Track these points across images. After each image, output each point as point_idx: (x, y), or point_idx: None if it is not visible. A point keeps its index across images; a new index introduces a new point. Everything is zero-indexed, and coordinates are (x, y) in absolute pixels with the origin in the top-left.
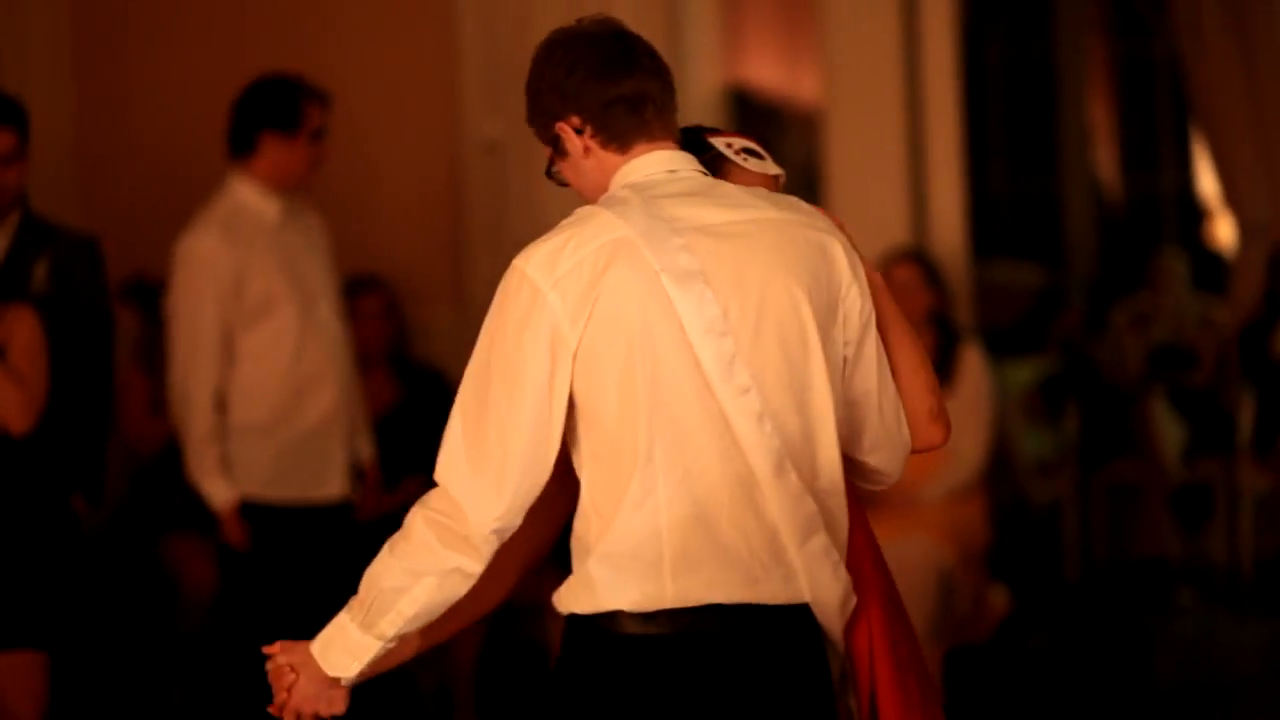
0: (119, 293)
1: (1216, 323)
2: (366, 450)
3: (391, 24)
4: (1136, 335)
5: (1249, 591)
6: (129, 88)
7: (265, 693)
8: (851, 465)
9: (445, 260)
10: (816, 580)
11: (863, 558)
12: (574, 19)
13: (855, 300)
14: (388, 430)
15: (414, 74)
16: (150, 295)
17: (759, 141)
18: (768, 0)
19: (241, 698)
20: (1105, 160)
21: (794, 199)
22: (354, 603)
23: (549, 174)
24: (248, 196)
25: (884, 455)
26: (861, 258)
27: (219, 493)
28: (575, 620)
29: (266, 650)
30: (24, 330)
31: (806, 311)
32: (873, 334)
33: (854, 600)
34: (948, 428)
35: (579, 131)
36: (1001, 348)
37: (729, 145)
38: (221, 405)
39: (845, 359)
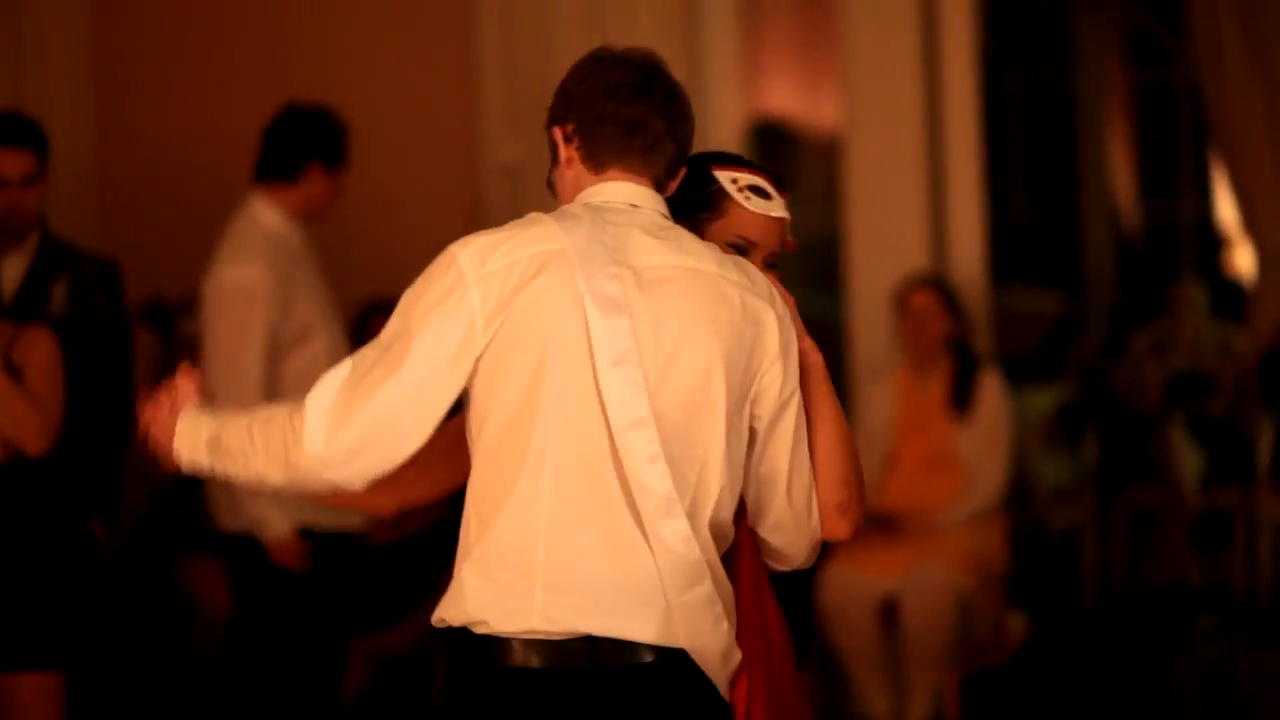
0: (138, 315)
1: (1235, 350)
2: None
3: (411, 48)
4: (1155, 362)
5: (1268, 619)
6: (149, 111)
7: (279, 713)
8: (755, 538)
9: None
10: (695, 629)
11: (750, 618)
12: (594, 44)
13: (775, 377)
14: None
15: (434, 98)
16: (168, 317)
17: (774, 178)
18: (788, 27)
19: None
20: (1124, 188)
21: (744, 263)
22: (219, 424)
23: (548, 183)
24: (274, 222)
25: (787, 538)
26: (802, 335)
27: (276, 523)
28: (450, 636)
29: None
30: (41, 352)
31: (719, 372)
32: (791, 416)
33: (738, 655)
34: (854, 525)
35: (567, 140)
36: (1021, 374)
37: (734, 181)
38: None
39: (755, 432)
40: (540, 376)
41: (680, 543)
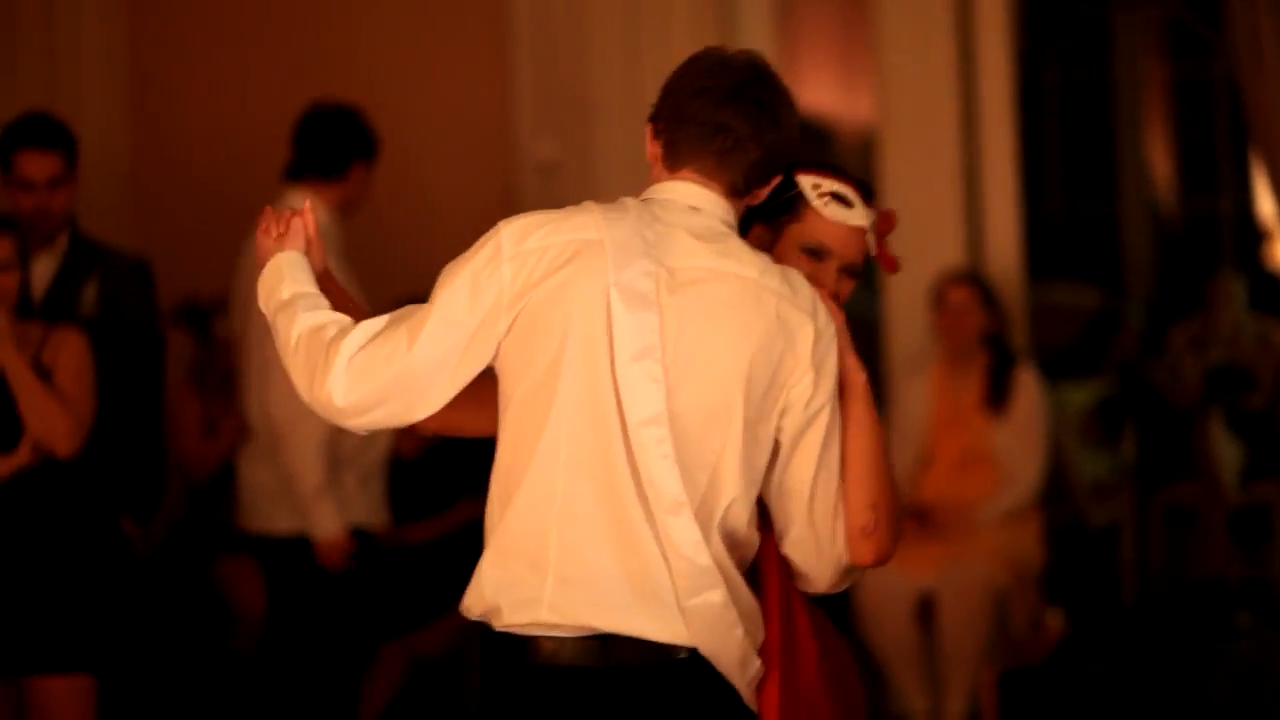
0: (172, 315)
1: (1275, 344)
2: None
3: (445, 46)
4: (1194, 356)
5: None
6: (184, 112)
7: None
8: (781, 554)
9: None
10: (708, 634)
11: (777, 632)
12: (628, 42)
13: (805, 389)
14: (439, 451)
15: (468, 95)
16: (203, 318)
17: (863, 189)
18: (823, 24)
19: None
20: (1163, 182)
21: (792, 274)
22: (300, 293)
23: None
24: (323, 219)
25: (807, 556)
26: (846, 353)
27: (330, 521)
28: (482, 633)
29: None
30: (72, 352)
31: (740, 378)
32: (819, 431)
33: (757, 664)
34: (879, 551)
35: (655, 137)
36: (1060, 370)
37: (816, 186)
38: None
39: (779, 444)
40: (559, 364)
41: (689, 546)
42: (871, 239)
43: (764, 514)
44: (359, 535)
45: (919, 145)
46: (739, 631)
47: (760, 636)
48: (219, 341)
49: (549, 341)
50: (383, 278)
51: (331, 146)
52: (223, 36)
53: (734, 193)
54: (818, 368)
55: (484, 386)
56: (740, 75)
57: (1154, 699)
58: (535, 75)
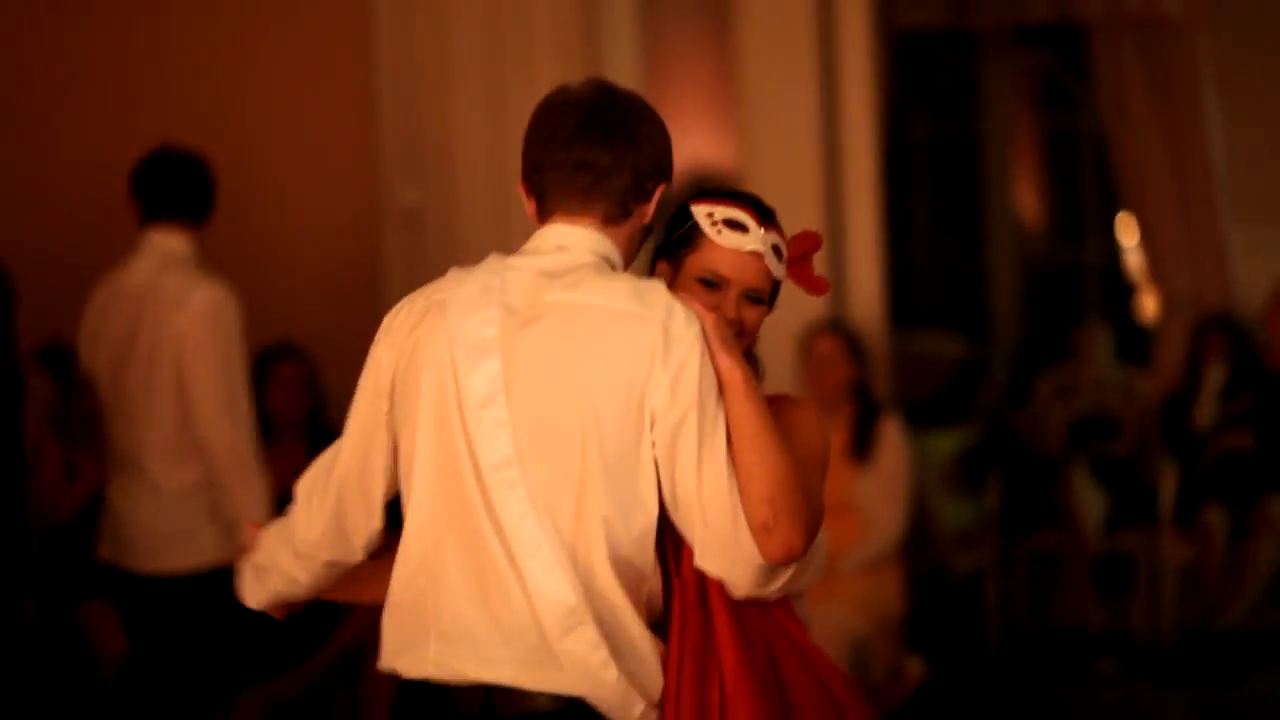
0: (32, 357)
1: (1140, 393)
2: None
3: (310, 91)
4: (1060, 405)
5: (1170, 662)
6: (42, 150)
7: None
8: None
9: (364, 327)
10: (579, 676)
11: (693, 666)
12: (492, 89)
13: (663, 399)
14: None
15: (332, 141)
16: (64, 359)
17: (759, 211)
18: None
19: None
20: (1031, 232)
21: (648, 290)
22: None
23: None
24: (183, 249)
25: (719, 564)
26: (720, 354)
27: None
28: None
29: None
30: None
31: (593, 404)
32: (689, 437)
33: (639, 706)
34: (785, 545)
35: (528, 195)
36: (925, 418)
37: (710, 215)
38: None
39: (658, 459)
40: (417, 424)
41: (552, 586)
42: (773, 262)
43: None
44: (224, 574)
45: (782, 193)
46: (612, 672)
47: (650, 677)
48: (83, 384)
49: (412, 404)
50: (248, 322)
51: (171, 189)
52: (82, 77)
53: (611, 220)
54: (674, 375)
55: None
56: (586, 107)
57: None
58: (399, 121)
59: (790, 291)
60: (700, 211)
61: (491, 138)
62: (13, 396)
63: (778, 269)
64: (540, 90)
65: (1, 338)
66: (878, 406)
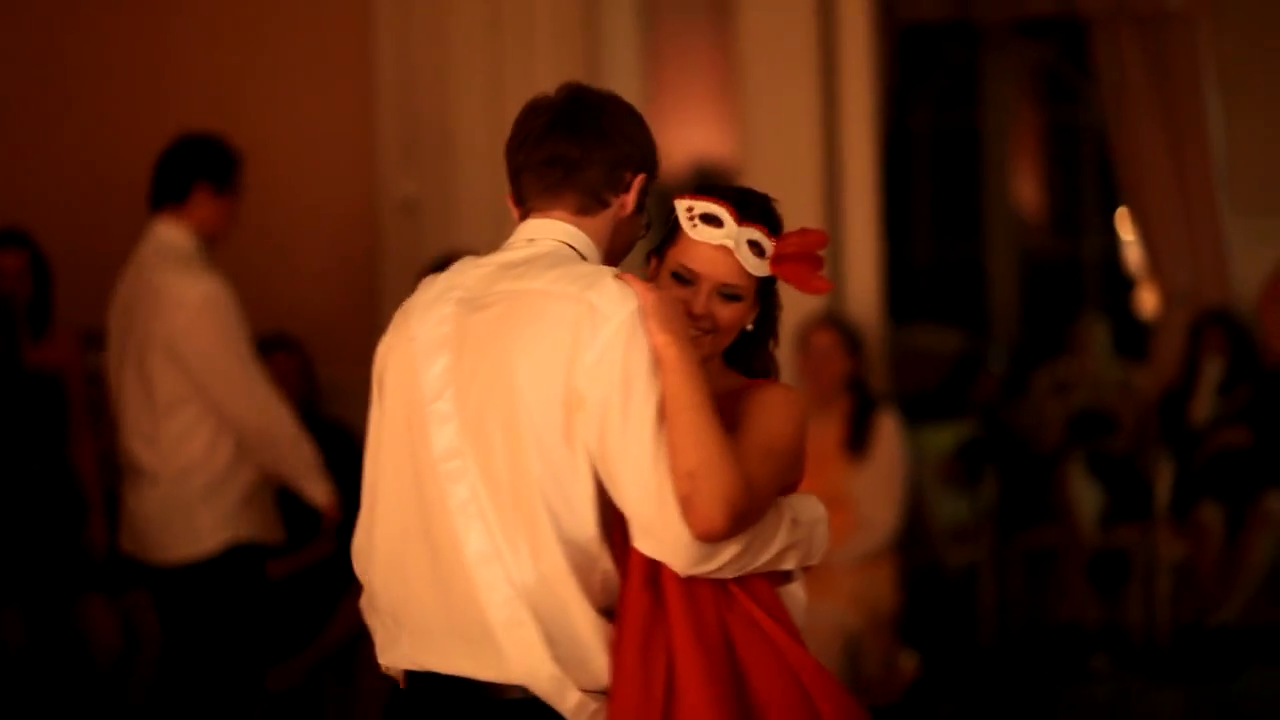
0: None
1: (1137, 388)
2: None
3: (308, 83)
4: (1057, 400)
5: (1165, 658)
6: (43, 145)
7: None
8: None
9: (361, 319)
10: (521, 665)
11: (632, 657)
12: (490, 82)
13: (586, 378)
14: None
15: (330, 132)
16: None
17: (739, 205)
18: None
19: None
20: (1030, 226)
21: (594, 276)
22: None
23: None
24: (182, 241)
25: (651, 543)
26: (655, 332)
27: (326, 488)
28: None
29: None
30: None
31: (532, 390)
32: (614, 417)
33: (575, 695)
34: (705, 520)
35: (513, 202)
36: (923, 412)
37: (689, 209)
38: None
39: (589, 439)
40: (383, 428)
41: (488, 575)
42: (748, 258)
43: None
44: (251, 550)
45: (782, 186)
46: (547, 661)
47: (592, 664)
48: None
49: (388, 405)
50: (247, 313)
51: (173, 172)
52: (84, 68)
53: (584, 211)
54: (599, 354)
55: None
56: (553, 110)
57: None
58: (398, 113)
59: (787, 285)
60: (681, 206)
61: (490, 129)
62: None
63: (755, 265)
64: (539, 82)
65: (9, 362)
66: (874, 400)
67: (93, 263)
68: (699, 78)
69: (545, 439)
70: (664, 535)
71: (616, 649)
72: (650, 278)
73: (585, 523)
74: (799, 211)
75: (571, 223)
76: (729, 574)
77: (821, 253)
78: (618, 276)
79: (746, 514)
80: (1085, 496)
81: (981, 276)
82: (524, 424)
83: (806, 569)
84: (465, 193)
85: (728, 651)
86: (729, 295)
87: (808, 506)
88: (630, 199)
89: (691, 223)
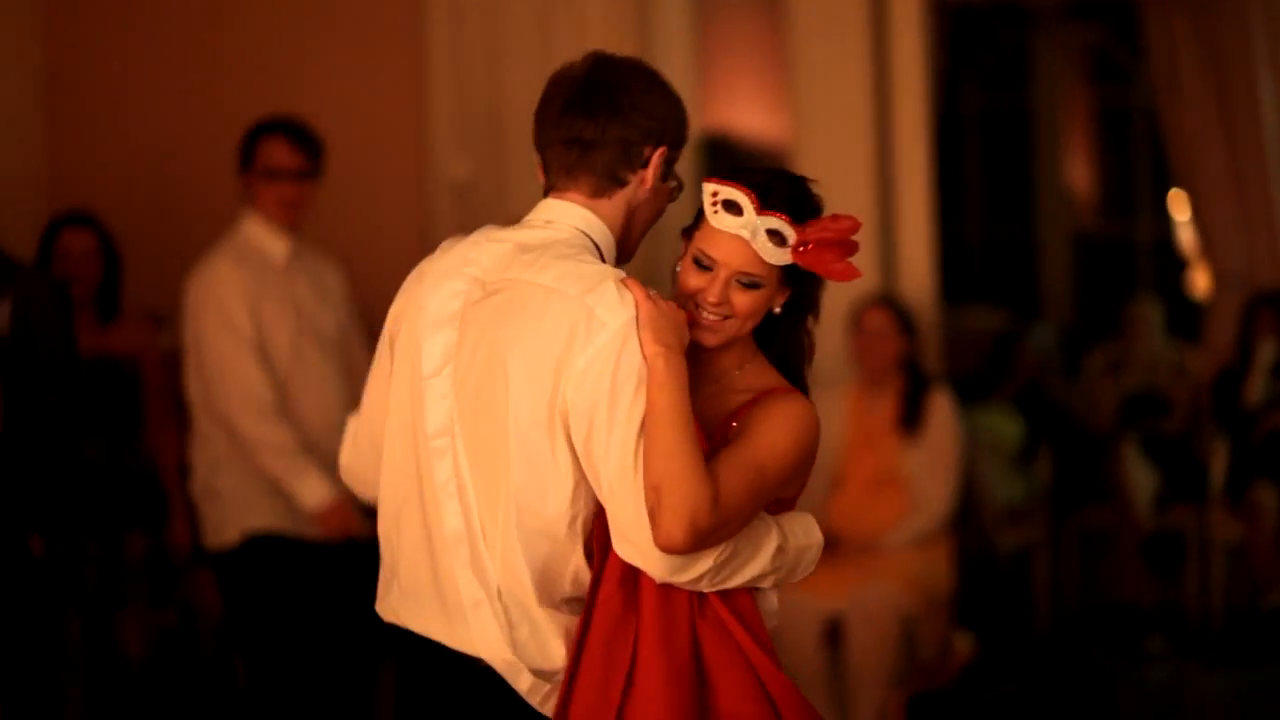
0: None
1: (1190, 370)
2: None
3: (361, 65)
4: (1110, 381)
5: (1220, 640)
6: (101, 126)
7: None
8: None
9: None
10: (482, 640)
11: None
12: (543, 63)
13: (574, 384)
14: None
15: (383, 115)
16: None
17: (762, 193)
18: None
19: None
20: (1083, 207)
21: (601, 272)
22: None
23: None
24: (252, 229)
25: (627, 549)
26: (649, 341)
27: (312, 492)
28: None
29: None
30: None
31: (520, 384)
32: (599, 423)
33: (527, 678)
34: (663, 535)
35: (542, 173)
36: (976, 393)
37: (714, 194)
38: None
39: (576, 442)
40: (392, 385)
41: (457, 553)
42: (766, 247)
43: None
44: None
45: (833, 167)
46: (503, 643)
47: (545, 650)
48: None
49: (397, 365)
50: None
51: (244, 145)
52: (139, 54)
53: (599, 193)
54: (589, 360)
55: None
56: (575, 84)
57: None
58: (450, 95)
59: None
60: (708, 190)
61: None
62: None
63: (774, 254)
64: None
65: (62, 343)
66: (927, 380)
67: (146, 242)
68: (751, 59)
69: (527, 433)
70: (639, 543)
71: (582, 642)
72: (680, 258)
73: (557, 519)
74: (851, 193)
75: (588, 206)
76: (705, 587)
77: (854, 237)
78: (621, 281)
79: (713, 531)
80: (1140, 478)
81: (1033, 258)
82: (509, 414)
83: None
84: (517, 174)
85: (693, 657)
86: (748, 283)
87: (802, 531)
88: (650, 174)
89: (714, 208)
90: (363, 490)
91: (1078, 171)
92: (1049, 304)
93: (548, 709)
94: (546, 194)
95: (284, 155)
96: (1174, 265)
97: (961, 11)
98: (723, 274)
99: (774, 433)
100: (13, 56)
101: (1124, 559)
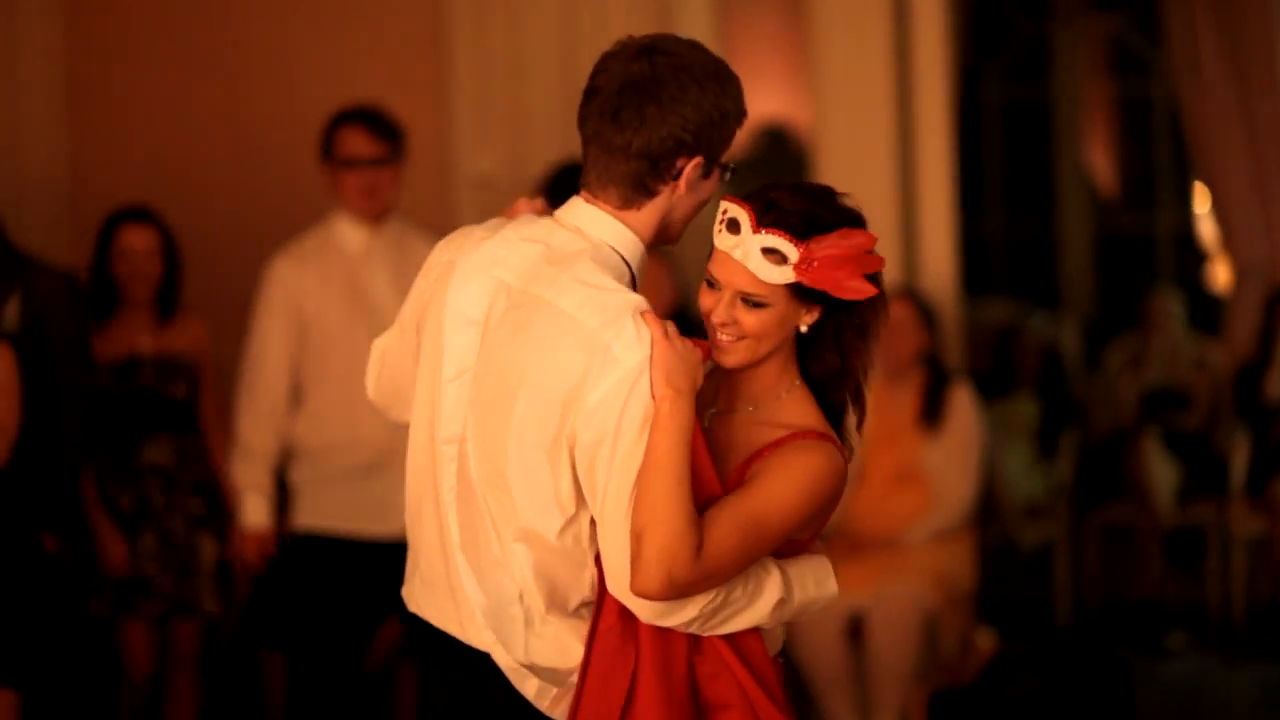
0: None
1: (1211, 364)
2: None
3: (383, 60)
4: (1131, 376)
5: (1241, 635)
6: (123, 127)
7: None
8: None
9: None
10: (493, 644)
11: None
12: (566, 55)
13: (583, 419)
14: None
15: (406, 109)
16: None
17: (761, 211)
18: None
19: None
20: (1104, 199)
21: (622, 304)
22: None
23: None
24: (336, 223)
25: (616, 588)
26: (657, 384)
27: (254, 511)
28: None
29: None
30: None
31: (531, 406)
32: (601, 461)
33: (534, 684)
34: (640, 582)
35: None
36: (996, 388)
37: (723, 213)
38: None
39: (581, 475)
40: (419, 373)
41: (462, 560)
42: (761, 267)
43: None
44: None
45: (854, 160)
46: (505, 655)
47: (556, 656)
48: None
49: (421, 355)
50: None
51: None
52: (161, 52)
53: (629, 204)
54: (600, 397)
55: None
56: (611, 80)
57: (1085, 719)
58: (473, 89)
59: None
60: (720, 207)
61: (565, 106)
62: (81, 371)
63: (772, 273)
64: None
65: (78, 344)
66: (948, 374)
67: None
68: (773, 51)
69: (529, 455)
70: (623, 586)
71: (581, 671)
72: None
73: (563, 539)
74: (873, 187)
75: (618, 218)
76: (696, 631)
77: (871, 250)
78: (641, 314)
79: (693, 584)
80: (1161, 473)
81: (1054, 251)
82: (511, 435)
83: None
84: (540, 170)
85: (691, 693)
86: (753, 303)
87: (813, 582)
88: (683, 183)
89: (719, 227)
90: (390, 415)
91: (1099, 163)
92: (1070, 297)
93: (557, 713)
94: (581, 183)
95: (360, 144)
96: (1195, 258)
97: (982, 4)
98: (727, 294)
99: (784, 487)
100: (38, 69)
101: (1145, 554)
